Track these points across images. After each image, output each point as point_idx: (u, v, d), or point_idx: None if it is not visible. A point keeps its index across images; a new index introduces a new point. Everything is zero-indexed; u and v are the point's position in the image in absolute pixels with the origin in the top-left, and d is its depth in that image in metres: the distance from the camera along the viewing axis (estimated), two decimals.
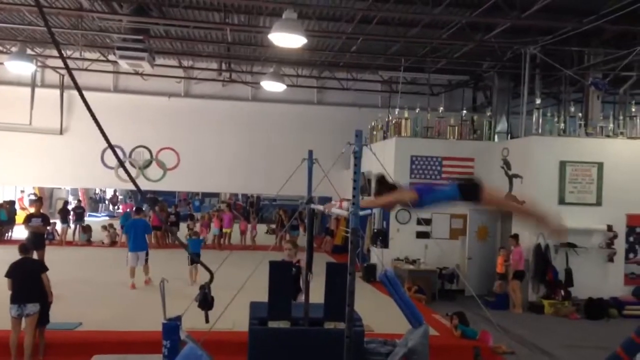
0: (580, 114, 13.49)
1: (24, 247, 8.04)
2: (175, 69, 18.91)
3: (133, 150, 19.12)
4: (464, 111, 15.66)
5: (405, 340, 6.25)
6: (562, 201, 12.48)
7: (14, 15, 14.07)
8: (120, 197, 38.29)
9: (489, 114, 15.47)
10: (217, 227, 19.89)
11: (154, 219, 19.48)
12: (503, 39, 13.22)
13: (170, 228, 19.25)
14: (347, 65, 17.79)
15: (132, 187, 23.46)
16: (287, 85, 16.42)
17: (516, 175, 13.12)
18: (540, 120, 13.15)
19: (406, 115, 14.79)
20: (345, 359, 4.41)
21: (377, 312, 9.79)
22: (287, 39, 10.63)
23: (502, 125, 15.21)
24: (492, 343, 8.98)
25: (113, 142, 4.34)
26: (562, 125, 13.12)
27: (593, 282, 12.25)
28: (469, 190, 4.47)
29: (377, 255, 14.16)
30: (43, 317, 7.68)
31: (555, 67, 13.71)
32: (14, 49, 15.52)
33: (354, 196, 4.34)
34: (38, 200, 13.06)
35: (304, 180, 7.18)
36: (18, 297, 7.41)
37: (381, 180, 4.75)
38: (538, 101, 13.69)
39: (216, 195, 35.01)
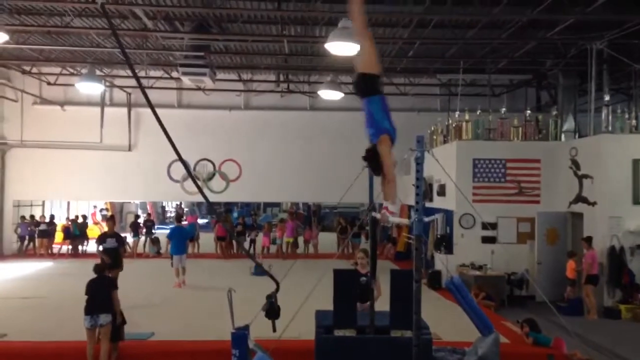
0: None
1: (99, 267, 8.32)
2: (235, 83, 19.35)
3: (197, 163, 19.64)
4: (528, 111, 15.20)
5: (475, 348, 6.12)
6: (636, 201, 11.88)
7: (83, 39, 14.82)
8: (186, 209, 39.41)
9: (554, 113, 14.94)
10: (280, 237, 20.12)
11: (219, 230, 19.95)
12: (566, 35, 12.77)
13: (237, 238, 19.58)
14: (404, 70, 17.67)
15: (198, 200, 24.09)
16: (345, 93, 16.45)
17: (586, 176, 12.60)
18: (610, 118, 12.60)
19: (467, 117, 14.51)
20: None
21: (444, 319, 9.62)
22: (343, 47, 10.69)
23: (569, 124, 14.64)
24: (566, 350, 8.63)
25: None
26: (633, 122, 12.52)
27: None
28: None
29: (442, 262, 13.93)
30: (115, 333, 7.93)
31: (624, 62, 13.11)
32: (83, 71, 16.32)
33: (417, 202, 4.30)
34: (111, 219, 12.88)
35: (364, 187, 7.17)
36: (90, 308, 7.73)
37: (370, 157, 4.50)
38: (607, 98, 13.12)
39: (277, 204, 35.41)
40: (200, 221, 36.51)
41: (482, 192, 13.51)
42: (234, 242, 20.36)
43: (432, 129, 16.63)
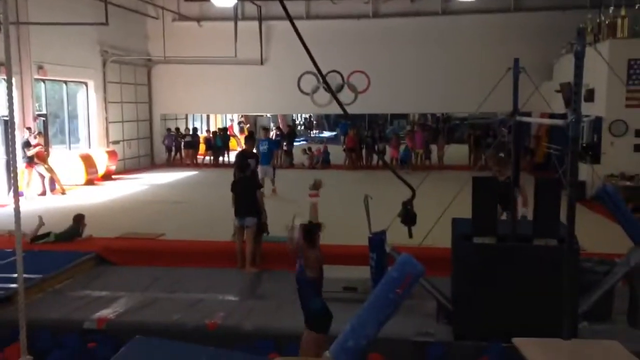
0: None
1: (241, 166, 8.95)
2: None
3: (326, 75, 19.45)
4: None
5: (628, 258, 5.72)
6: None
7: None
8: (314, 122, 40.43)
9: None
10: (410, 147, 19.97)
11: (349, 141, 20.20)
12: None
13: (375, 149, 19.56)
14: None
15: (327, 111, 24.48)
16: None
17: None
18: None
19: (623, 13, 12.90)
20: (564, 274, 4.17)
21: (588, 231, 9.04)
22: None
23: None
24: None
25: (308, 69, 4.50)
26: None
27: None
28: None
29: (587, 172, 13.01)
30: (259, 233, 8.52)
31: None
32: None
33: (574, 101, 3.94)
34: (250, 137, 11.77)
35: (498, 95, 6.83)
36: (238, 211, 8.40)
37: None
38: None
39: (404, 116, 34.92)
40: (327, 134, 37.27)
41: (637, 96, 12.19)
42: (363, 154, 20.55)
43: (581, 26, 15.01)
